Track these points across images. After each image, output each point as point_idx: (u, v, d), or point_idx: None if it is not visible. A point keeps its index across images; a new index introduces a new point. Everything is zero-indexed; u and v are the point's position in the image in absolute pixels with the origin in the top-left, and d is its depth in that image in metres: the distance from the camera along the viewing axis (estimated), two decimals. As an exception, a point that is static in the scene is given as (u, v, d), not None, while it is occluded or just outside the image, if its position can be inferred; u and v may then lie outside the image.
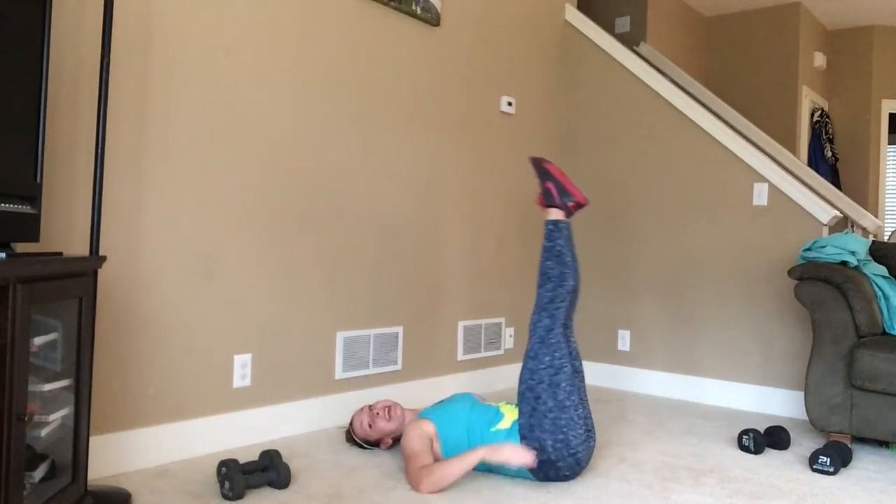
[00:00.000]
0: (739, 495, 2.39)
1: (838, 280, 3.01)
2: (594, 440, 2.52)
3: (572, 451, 2.39)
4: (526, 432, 2.42)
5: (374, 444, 2.74)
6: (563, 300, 2.56)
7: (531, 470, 2.42)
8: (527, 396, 2.46)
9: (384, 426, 2.68)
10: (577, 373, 2.51)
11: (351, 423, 2.78)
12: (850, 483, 2.58)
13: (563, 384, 2.44)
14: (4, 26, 1.66)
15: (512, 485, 2.41)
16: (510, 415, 2.52)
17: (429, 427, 2.52)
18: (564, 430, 2.39)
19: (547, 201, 2.69)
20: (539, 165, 2.73)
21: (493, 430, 2.48)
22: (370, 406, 2.76)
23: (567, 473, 2.42)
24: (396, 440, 2.74)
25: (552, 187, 2.68)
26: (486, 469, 2.51)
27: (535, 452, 2.37)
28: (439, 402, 2.68)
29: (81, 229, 2.27)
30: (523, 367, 2.53)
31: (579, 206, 2.69)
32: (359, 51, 3.17)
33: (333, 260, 3.08)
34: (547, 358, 2.48)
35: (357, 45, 3.16)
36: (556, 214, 2.65)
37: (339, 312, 3.11)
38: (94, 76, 2.28)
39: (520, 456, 2.32)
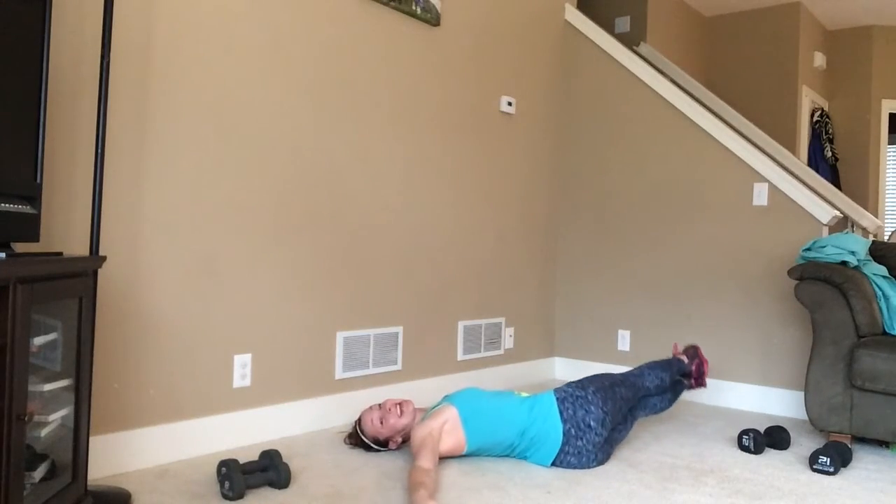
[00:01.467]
0: (739, 495, 2.39)
1: (838, 280, 3.01)
2: (610, 453, 2.72)
3: (605, 409, 2.62)
4: (574, 383, 2.70)
5: (383, 444, 2.69)
6: (635, 395, 2.83)
7: (562, 410, 2.59)
8: (591, 376, 2.77)
9: (396, 422, 2.65)
10: (624, 419, 2.79)
11: (359, 422, 2.72)
12: (850, 483, 2.58)
13: (619, 404, 2.71)
14: (4, 26, 1.66)
15: (512, 484, 2.41)
16: (523, 393, 2.75)
17: (437, 422, 2.54)
18: (607, 405, 2.64)
19: (700, 381, 3.13)
20: (696, 348, 3.19)
21: (519, 394, 2.71)
22: (379, 405, 2.72)
23: (592, 424, 2.58)
24: (405, 440, 2.73)
25: (695, 366, 3.13)
26: (510, 440, 2.62)
27: None
28: (456, 391, 2.73)
29: (81, 229, 2.27)
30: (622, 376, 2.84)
31: (699, 380, 3.12)
32: (359, 51, 3.17)
33: (333, 260, 3.08)
34: (620, 377, 2.81)
35: (357, 45, 3.16)
36: (684, 359, 3.10)
37: (339, 312, 3.11)
38: (94, 76, 2.28)
39: None
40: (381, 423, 2.66)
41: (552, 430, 2.57)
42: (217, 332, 2.65)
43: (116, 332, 2.36)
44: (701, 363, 3.12)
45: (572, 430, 2.56)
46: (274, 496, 2.21)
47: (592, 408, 2.59)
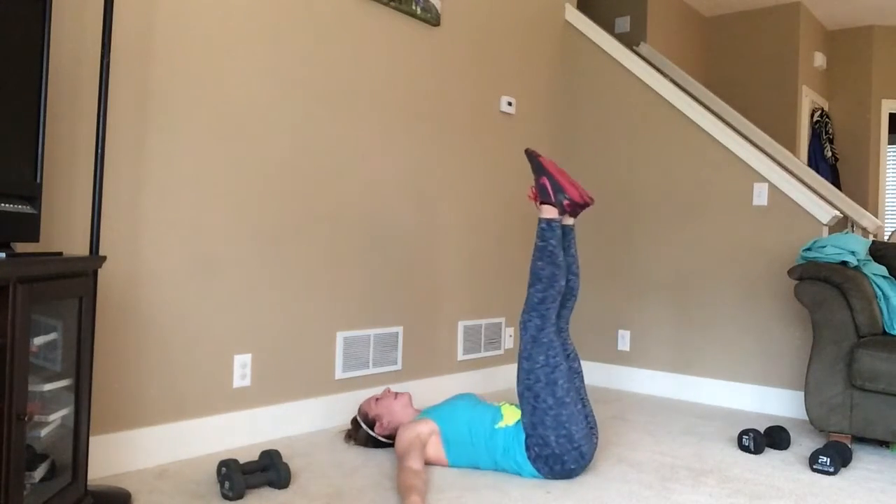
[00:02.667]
0: (739, 495, 2.39)
1: (838, 280, 3.01)
2: (597, 437, 2.55)
3: (576, 444, 2.40)
4: (529, 430, 2.43)
5: (372, 424, 2.72)
6: (554, 301, 2.53)
7: (537, 467, 2.43)
8: (526, 396, 2.46)
9: (390, 403, 2.72)
10: (577, 373, 2.52)
11: (358, 412, 2.80)
12: (850, 483, 2.58)
13: (560, 381, 2.44)
14: (4, 26, 1.66)
15: (512, 485, 2.41)
16: (511, 414, 2.53)
17: (425, 427, 2.53)
18: (566, 424, 2.40)
19: (541, 197, 2.59)
20: (534, 159, 2.63)
21: (497, 426, 2.50)
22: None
23: (573, 467, 2.43)
24: (391, 435, 2.72)
25: (547, 183, 2.58)
26: (492, 467, 2.52)
27: None
28: (442, 402, 2.69)
29: (81, 229, 2.27)
30: (519, 368, 2.52)
31: (577, 204, 2.56)
32: (358, 51, 3.17)
33: (333, 260, 3.08)
34: (541, 357, 2.47)
35: (357, 45, 3.16)
36: (549, 212, 2.57)
37: (339, 312, 3.11)
38: (94, 76, 2.28)
39: None
40: (376, 401, 2.75)
41: (536, 474, 2.48)
42: (217, 332, 2.65)
43: (116, 331, 2.36)
44: (561, 187, 2.54)
45: (557, 476, 2.46)
46: (274, 496, 2.21)
47: (565, 457, 2.41)
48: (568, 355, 2.54)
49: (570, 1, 4.54)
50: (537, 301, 2.53)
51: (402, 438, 2.50)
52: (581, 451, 2.42)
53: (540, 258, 2.55)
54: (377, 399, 2.78)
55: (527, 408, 2.45)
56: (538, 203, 2.61)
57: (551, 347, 2.48)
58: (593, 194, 4.34)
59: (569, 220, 2.69)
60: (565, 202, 2.56)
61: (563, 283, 2.55)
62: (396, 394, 2.78)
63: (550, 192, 2.57)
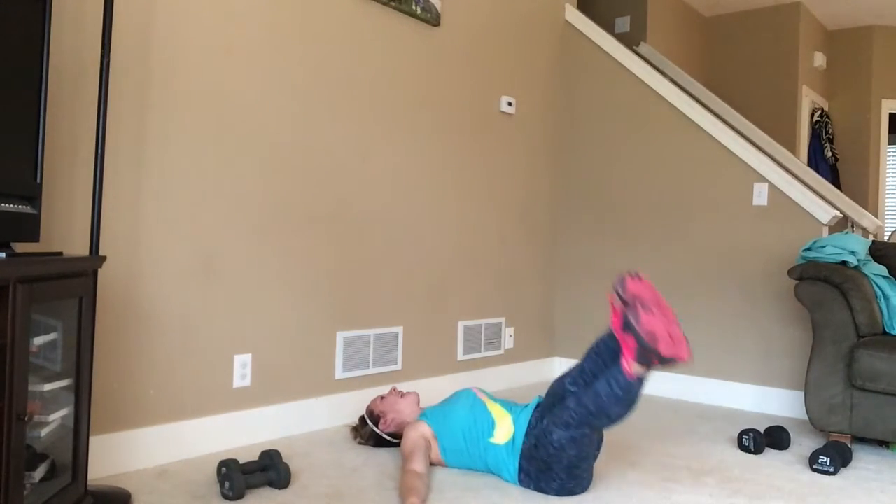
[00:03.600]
0: (739, 495, 2.39)
1: (838, 280, 3.01)
2: (598, 453, 2.42)
3: (575, 474, 2.30)
4: (533, 475, 2.32)
5: (376, 421, 2.73)
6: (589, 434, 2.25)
7: (525, 485, 2.38)
8: (545, 451, 2.26)
9: (395, 401, 2.74)
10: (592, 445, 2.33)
11: (367, 407, 2.83)
12: (850, 483, 2.58)
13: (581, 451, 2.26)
14: (4, 26, 1.66)
15: (512, 484, 2.40)
16: (504, 426, 2.42)
17: (426, 429, 2.53)
18: (573, 481, 2.29)
19: (623, 325, 2.09)
20: (624, 290, 2.11)
21: (490, 441, 2.44)
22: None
23: (570, 485, 2.33)
24: (397, 434, 2.72)
25: (632, 322, 2.06)
26: (485, 469, 2.51)
27: None
28: (442, 402, 2.68)
29: (81, 229, 2.27)
30: (548, 431, 2.25)
31: (662, 358, 2.06)
32: (358, 51, 3.17)
33: (333, 260, 3.08)
34: (573, 452, 2.24)
35: (357, 45, 3.16)
36: (626, 364, 2.09)
37: (339, 312, 3.11)
38: (94, 76, 2.28)
39: None
40: (382, 399, 2.77)
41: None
42: (217, 332, 2.65)
43: (116, 332, 2.36)
44: (626, 312, 2.08)
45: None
46: (274, 496, 2.21)
47: (557, 483, 2.29)
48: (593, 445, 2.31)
49: (570, 1, 4.54)
50: (576, 423, 2.20)
51: (408, 438, 2.50)
52: (579, 479, 2.30)
53: (617, 404, 2.14)
54: (383, 397, 2.79)
55: (540, 454, 2.25)
56: (618, 331, 2.17)
57: (584, 442, 2.24)
58: (588, 195, 4.33)
59: (637, 371, 2.17)
60: (655, 360, 2.09)
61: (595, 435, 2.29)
62: (403, 392, 2.79)
63: (631, 325, 2.07)
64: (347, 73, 3.12)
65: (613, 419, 2.17)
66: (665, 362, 2.04)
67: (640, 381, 2.11)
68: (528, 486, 2.37)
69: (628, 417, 2.27)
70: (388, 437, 2.72)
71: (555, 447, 2.22)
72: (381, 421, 2.73)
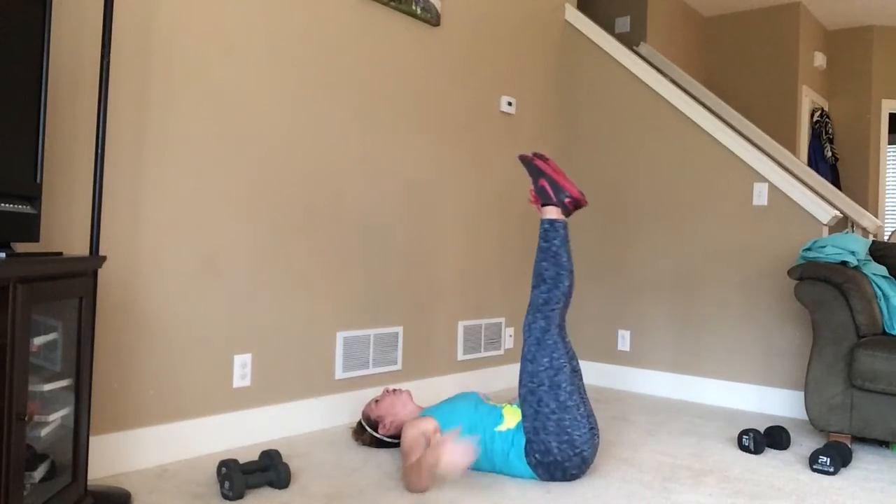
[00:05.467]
0: (739, 495, 2.39)
1: (838, 280, 3.01)
2: (598, 437, 2.51)
3: (577, 450, 2.39)
4: (531, 435, 2.41)
5: (375, 426, 2.73)
6: (559, 302, 2.51)
7: (537, 473, 2.42)
8: (528, 400, 2.44)
9: (390, 402, 2.72)
10: (576, 372, 2.50)
11: (363, 414, 2.81)
12: (850, 483, 2.58)
13: (564, 385, 2.42)
14: (4, 26, 1.66)
15: (512, 484, 2.41)
16: (512, 416, 2.51)
17: (428, 425, 2.52)
18: (569, 430, 2.38)
19: (542, 199, 2.59)
20: (530, 163, 2.62)
21: (497, 429, 2.48)
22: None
23: (574, 472, 2.42)
24: (396, 434, 2.73)
25: (546, 184, 2.57)
26: (490, 469, 2.51)
27: (472, 449, 2.22)
28: (444, 401, 2.69)
29: (81, 229, 2.27)
30: (522, 371, 2.50)
31: (577, 203, 2.55)
32: (358, 51, 3.17)
33: (333, 260, 3.08)
34: (545, 360, 2.45)
35: (357, 45, 3.16)
36: (552, 213, 2.56)
37: (339, 312, 3.11)
38: (94, 76, 2.28)
39: (457, 458, 2.18)
40: (376, 403, 2.75)
41: (531, 476, 2.48)
42: (217, 332, 2.65)
43: (116, 332, 2.36)
44: (560, 186, 2.53)
45: (558, 481, 2.45)
46: (274, 496, 2.21)
47: (567, 464, 2.39)
48: (568, 353, 2.52)
49: (570, 1, 4.54)
50: (542, 302, 2.51)
51: (407, 436, 2.49)
52: (583, 457, 2.41)
53: (544, 259, 2.54)
54: (377, 401, 2.77)
55: (529, 412, 2.43)
56: (539, 205, 2.61)
57: (556, 349, 2.46)
58: (588, 196, 4.34)
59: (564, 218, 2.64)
60: (566, 200, 2.55)
61: (567, 283, 2.53)
62: (395, 390, 2.78)
63: (551, 193, 2.57)
64: (347, 72, 3.12)
65: (548, 280, 2.52)
66: (571, 198, 2.55)
67: (552, 224, 2.55)
68: (537, 471, 2.41)
69: (560, 278, 2.51)
70: (390, 440, 2.73)
71: (528, 360, 2.48)
72: (381, 425, 2.72)
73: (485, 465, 2.51)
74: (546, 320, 2.50)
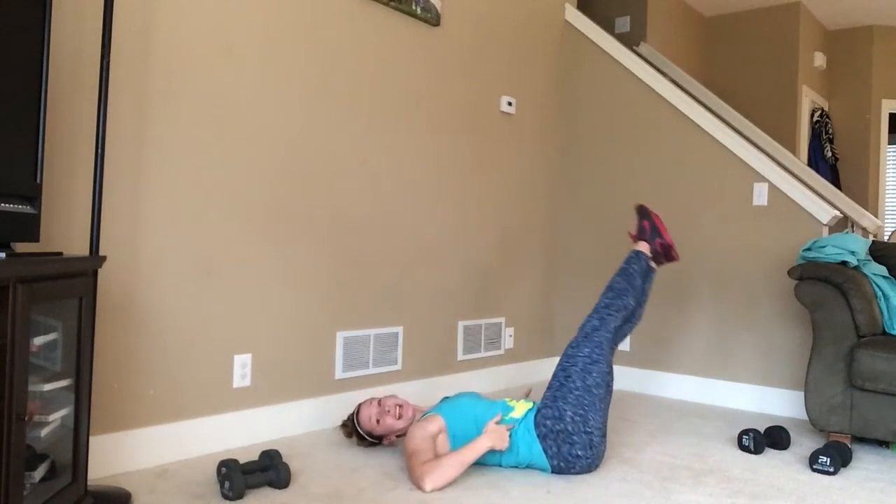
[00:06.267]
0: (739, 495, 2.39)
1: (838, 280, 3.01)
2: (605, 446, 2.58)
3: (589, 429, 2.46)
4: (549, 402, 2.52)
5: (377, 438, 2.70)
6: (618, 310, 2.73)
7: (545, 447, 2.46)
8: (558, 375, 2.59)
9: (392, 423, 2.64)
10: (609, 386, 2.60)
11: (357, 413, 2.71)
12: (850, 483, 2.58)
13: (595, 374, 2.54)
14: (4, 26, 1.66)
15: (512, 484, 2.41)
16: (521, 406, 2.57)
17: (433, 425, 2.51)
18: (586, 408, 2.48)
19: (639, 235, 3.00)
20: (644, 209, 3.05)
21: (506, 417, 2.54)
22: (379, 400, 2.69)
23: (580, 453, 2.46)
24: (400, 436, 2.72)
25: (648, 226, 2.99)
26: (496, 462, 2.54)
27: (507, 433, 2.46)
28: (445, 399, 2.69)
29: (81, 229, 2.27)
30: (563, 355, 2.66)
31: (667, 250, 2.93)
32: (358, 51, 3.17)
33: (333, 260, 3.08)
34: (587, 349, 2.61)
35: (357, 45, 3.16)
36: (642, 247, 2.93)
37: (339, 312, 3.11)
38: (94, 76, 2.28)
39: (501, 439, 2.43)
40: (378, 422, 2.65)
41: (540, 463, 2.51)
42: (217, 332, 2.65)
43: (116, 332, 2.36)
44: (659, 232, 2.92)
45: (562, 465, 2.49)
46: (274, 496, 2.21)
47: (575, 437, 2.46)
48: (608, 363, 2.63)
49: (570, 1, 4.54)
50: (602, 305, 2.74)
51: (415, 437, 2.47)
52: (591, 440, 2.46)
53: (619, 275, 2.83)
54: (378, 418, 2.65)
55: (554, 384, 2.56)
56: (635, 240, 3.00)
57: (599, 346, 2.61)
58: (588, 195, 4.34)
59: (653, 264, 2.97)
60: (658, 241, 2.95)
61: (630, 301, 2.78)
62: (400, 410, 2.66)
63: (648, 233, 2.98)
64: (347, 72, 3.12)
65: (615, 289, 2.78)
66: (663, 241, 2.93)
67: (637, 253, 2.89)
68: (545, 444, 2.46)
69: (626, 292, 2.79)
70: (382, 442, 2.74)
71: (571, 346, 2.63)
72: (385, 439, 2.70)
73: (491, 459, 2.53)
74: (601, 321, 2.69)
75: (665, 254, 2.95)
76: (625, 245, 4.19)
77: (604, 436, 2.55)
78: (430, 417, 2.56)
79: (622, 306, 2.74)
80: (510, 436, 2.50)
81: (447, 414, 2.56)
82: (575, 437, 2.45)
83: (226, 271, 2.67)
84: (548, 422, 2.48)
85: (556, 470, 2.50)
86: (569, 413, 2.47)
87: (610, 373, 2.62)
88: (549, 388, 2.58)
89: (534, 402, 2.63)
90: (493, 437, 2.43)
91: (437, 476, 2.30)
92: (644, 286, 2.89)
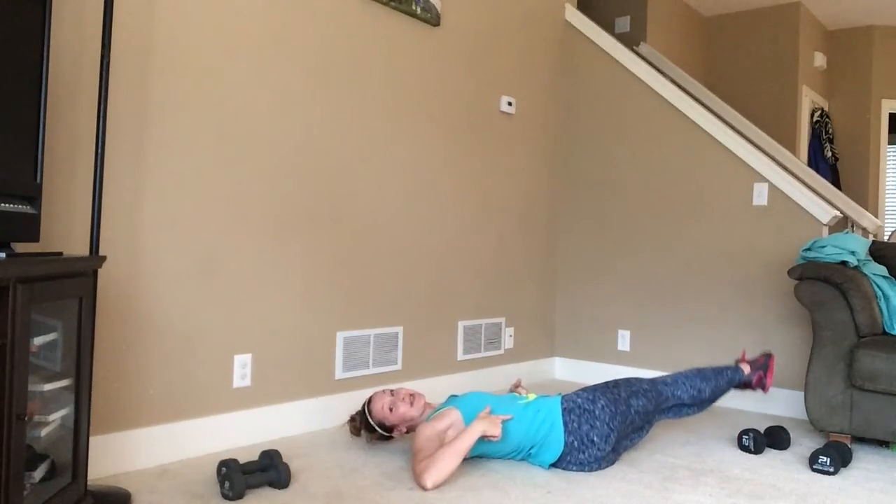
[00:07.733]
0: (739, 495, 2.39)
1: (838, 280, 3.01)
2: (611, 462, 2.65)
3: (611, 427, 2.58)
4: (587, 390, 2.65)
5: (388, 430, 2.67)
6: (688, 387, 2.83)
7: (565, 420, 2.54)
8: (606, 382, 2.73)
9: (406, 411, 2.64)
10: (640, 427, 2.72)
11: (369, 403, 2.69)
12: (850, 483, 2.58)
13: (639, 403, 2.66)
14: (4, 26, 1.66)
15: (512, 484, 2.41)
16: (532, 397, 2.68)
17: (444, 421, 2.52)
18: (617, 412, 2.59)
19: (750, 361, 3.09)
20: (770, 354, 3.11)
21: (520, 402, 2.62)
22: (392, 390, 2.70)
23: (596, 440, 2.54)
24: (409, 431, 2.71)
25: (762, 360, 3.07)
26: (506, 452, 2.59)
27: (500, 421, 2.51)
28: (452, 396, 2.71)
29: (81, 229, 2.27)
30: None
31: (757, 384, 3.02)
32: (358, 50, 3.17)
33: (333, 260, 3.08)
34: (646, 385, 2.73)
35: (357, 45, 3.16)
36: (745, 368, 3.02)
37: (339, 312, 3.11)
38: (94, 76, 2.28)
39: (493, 425, 2.46)
40: (391, 410, 2.65)
41: (554, 439, 2.54)
42: (217, 332, 2.65)
43: (116, 332, 2.36)
44: (766, 372, 3.05)
45: (575, 443, 2.53)
46: (274, 496, 2.21)
47: (598, 423, 2.54)
48: (651, 418, 2.73)
49: (570, 1, 4.54)
50: (683, 374, 2.87)
51: (421, 435, 2.47)
52: (609, 438, 2.54)
53: (712, 375, 2.91)
54: (391, 406, 2.65)
55: (599, 384, 2.70)
56: (744, 361, 3.08)
57: (657, 393, 2.74)
58: (588, 195, 4.34)
59: (737, 387, 3.03)
60: (759, 373, 3.03)
61: (703, 391, 2.86)
62: (412, 399, 2.68)
63: (759, 364, 3.06)
64: (347, 72, 3.12)
65: (707, 395, 2.90)
66: (753, 386, 3.04)
67: (736, 371, 3.01)
68: (566, 417, 2.54)
69: (696, 390, 2.89)
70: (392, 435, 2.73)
71: (628, 386, 2.71)
72: (395, 430, 2.68)
73: (503, 448, 2.58)
74: (674, 382, 2.81)
75: (752, 385, 3.04)
76: (625, 245, 4.19)
77: (616, 451, 2.63)
78: (444, 412, 2.56)
79: (693, 387, 2.83)
80: (533, 413, 2.59)
81: (463, 406, 2.59)
82: (598, 423, 2.54)
83: (226, 271, 2.67)
84: (579, 400, 2.59)
85: (565, 452, 2.53)
86: (601, 402, 2.58)
87: (649, 421, 2.72)
88: (594, 387, 2.69)
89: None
90: (484, 423, 2.44)
91: (434, 471, 2.30)
92: (712, 396, 2.91)
